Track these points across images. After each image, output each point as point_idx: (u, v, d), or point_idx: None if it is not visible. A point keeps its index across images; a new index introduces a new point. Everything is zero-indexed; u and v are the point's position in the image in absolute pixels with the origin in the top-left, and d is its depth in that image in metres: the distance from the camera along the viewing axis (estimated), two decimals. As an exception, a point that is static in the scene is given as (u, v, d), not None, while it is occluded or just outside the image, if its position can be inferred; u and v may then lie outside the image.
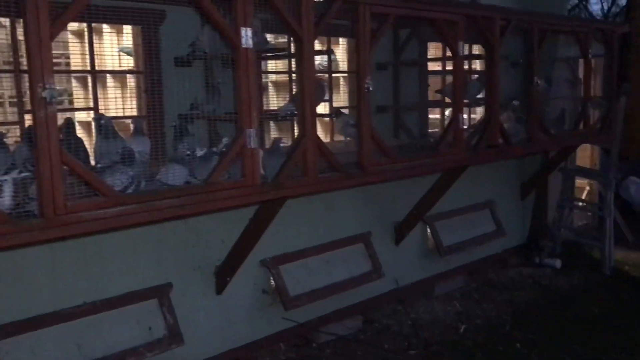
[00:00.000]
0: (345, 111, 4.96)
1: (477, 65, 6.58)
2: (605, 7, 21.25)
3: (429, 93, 5.80)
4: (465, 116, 5.96)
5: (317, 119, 4.54)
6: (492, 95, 4.80)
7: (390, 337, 5.08)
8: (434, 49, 5.82)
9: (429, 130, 5.84)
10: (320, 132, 4.80)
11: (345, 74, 5.42)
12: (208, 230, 4.22)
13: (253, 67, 3.22)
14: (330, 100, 5.10)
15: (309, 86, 3.48)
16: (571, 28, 5.60)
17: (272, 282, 4.56)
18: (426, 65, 5.71)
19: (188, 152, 3.11)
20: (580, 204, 7.38)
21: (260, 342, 4.61)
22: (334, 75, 5.26)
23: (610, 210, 6.72)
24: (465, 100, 4.71)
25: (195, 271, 4.19)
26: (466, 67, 6.24)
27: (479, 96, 5.16)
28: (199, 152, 3.13)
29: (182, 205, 3.03)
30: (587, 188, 7.99)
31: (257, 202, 3.60)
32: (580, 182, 7.89)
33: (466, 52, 5.98)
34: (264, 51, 3.77)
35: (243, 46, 3.16)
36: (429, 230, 5.92)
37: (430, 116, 5.97)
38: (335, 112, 4.53)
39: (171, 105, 3.86)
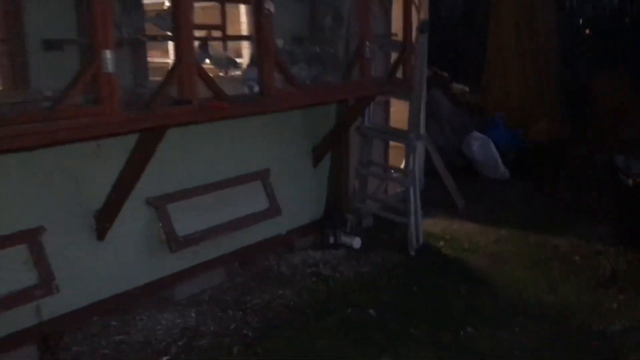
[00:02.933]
0: None
1: None
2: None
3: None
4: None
5: None
6: (180, 30, 3.19)
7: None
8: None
9: (151, 79, 4.20)
10: None
11: None
12: None
13: None
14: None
15: None
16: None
17: None
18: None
19: None
20: (393, 171, 6.11)
21: None
22: None
23: (414, 178, 5.47)
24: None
25: None
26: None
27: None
28: None
29: None
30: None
31: None
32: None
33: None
34: None
35: None
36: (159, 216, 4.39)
37: (155, 60, 4.31)
38: None
39: None
